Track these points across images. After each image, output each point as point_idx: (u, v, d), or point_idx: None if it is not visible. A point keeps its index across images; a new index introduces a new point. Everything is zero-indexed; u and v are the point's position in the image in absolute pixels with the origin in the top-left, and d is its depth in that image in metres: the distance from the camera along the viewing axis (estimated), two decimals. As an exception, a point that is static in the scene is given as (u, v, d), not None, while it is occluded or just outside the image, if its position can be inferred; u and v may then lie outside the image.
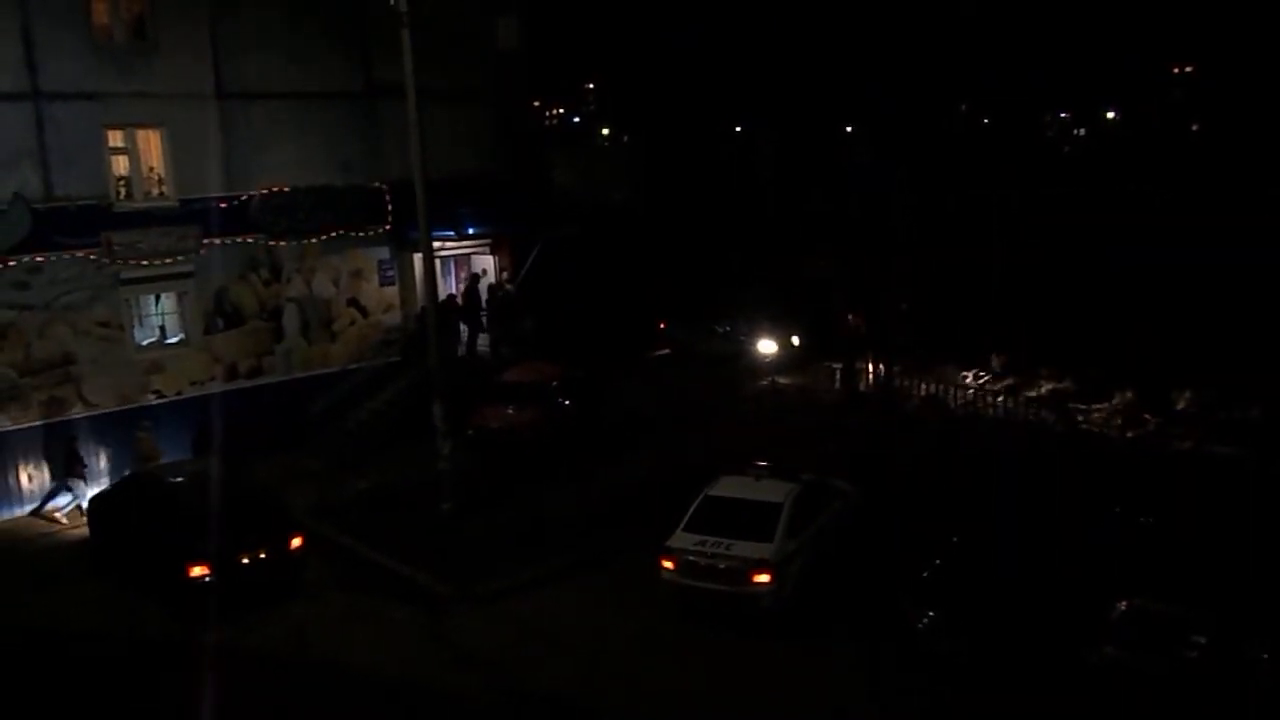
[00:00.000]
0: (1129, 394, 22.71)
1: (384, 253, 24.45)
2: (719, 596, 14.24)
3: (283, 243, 22.85)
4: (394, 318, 24.77)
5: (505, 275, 26.20)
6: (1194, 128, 51.91)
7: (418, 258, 22.26)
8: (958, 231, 33.44)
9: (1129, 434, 21.48)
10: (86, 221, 20.19)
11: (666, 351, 30.02)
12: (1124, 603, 12.28)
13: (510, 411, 21.21)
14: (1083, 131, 59.72)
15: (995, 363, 25.91)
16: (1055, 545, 13.99)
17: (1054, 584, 13.19)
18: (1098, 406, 22.70)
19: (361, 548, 17.57)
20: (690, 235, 36.05)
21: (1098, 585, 12.77)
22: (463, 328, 24.89)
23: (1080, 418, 22.31)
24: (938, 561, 13.97)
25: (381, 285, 24.56)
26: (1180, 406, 22.07)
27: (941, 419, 23.19)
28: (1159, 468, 18.92)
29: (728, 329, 30.39)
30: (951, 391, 24.57)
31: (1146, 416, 21.93)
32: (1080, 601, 12.70)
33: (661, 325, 30.72)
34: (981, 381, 25.18)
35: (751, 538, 14.35)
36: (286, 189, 22.70)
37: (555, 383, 22.04)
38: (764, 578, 14.05)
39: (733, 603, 14.22)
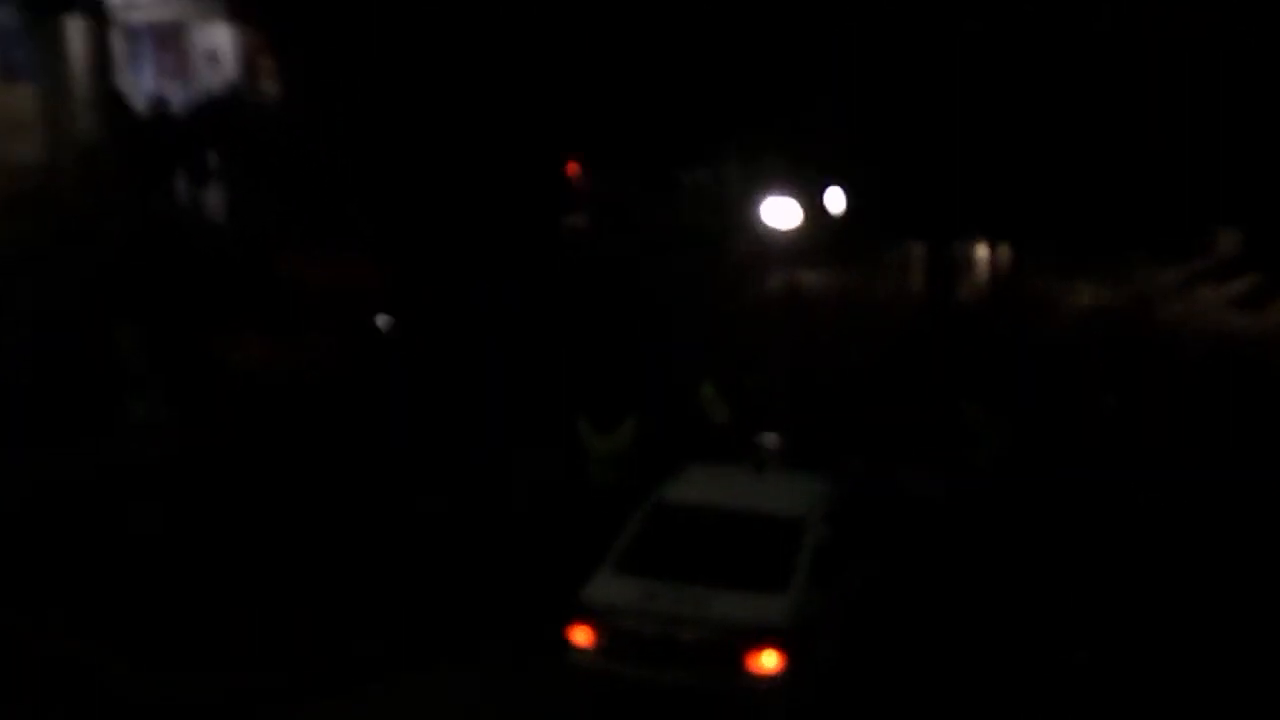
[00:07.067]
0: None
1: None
2: (680, 696, 7.89)
3: None
4: (28, 150, 15.81)
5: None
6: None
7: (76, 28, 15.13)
8: None
9: None
10: None
11: None
12: None
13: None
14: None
15: None
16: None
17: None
18: None
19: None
20: None
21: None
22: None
23: None
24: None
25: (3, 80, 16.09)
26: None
27: None
28: None
29: None
30: None
31: None
32: None
33: None
34: None
35: (744, 585, 8.15)
36: None
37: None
38: (771, 661, 7.78)
39: (707, 709, 7.90)
